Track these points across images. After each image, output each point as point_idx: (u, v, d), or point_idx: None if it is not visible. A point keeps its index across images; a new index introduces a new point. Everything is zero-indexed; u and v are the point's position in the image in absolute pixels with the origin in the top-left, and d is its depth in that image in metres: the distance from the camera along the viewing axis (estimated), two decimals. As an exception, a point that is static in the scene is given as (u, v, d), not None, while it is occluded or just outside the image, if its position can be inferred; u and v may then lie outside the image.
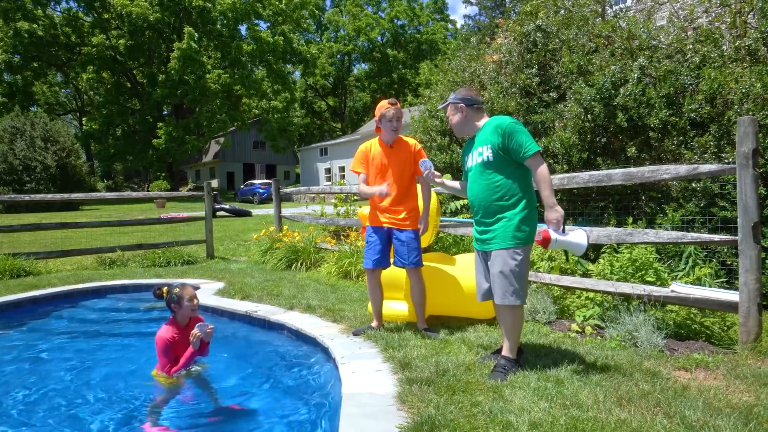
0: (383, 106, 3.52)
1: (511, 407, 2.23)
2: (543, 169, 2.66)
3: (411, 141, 3.65)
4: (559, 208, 2.61)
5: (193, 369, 3.16)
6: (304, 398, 2.80)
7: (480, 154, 2.80)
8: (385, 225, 3.59)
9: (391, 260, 3.66)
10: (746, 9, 4.91)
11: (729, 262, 4.11)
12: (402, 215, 3.55)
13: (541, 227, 2.72)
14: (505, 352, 2.78)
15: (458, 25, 53.71)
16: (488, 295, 2.92)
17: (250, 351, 3.77)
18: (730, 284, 3.95)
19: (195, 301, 3.14)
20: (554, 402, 2.29)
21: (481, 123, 2.91)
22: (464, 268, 4.12)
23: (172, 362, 3.05)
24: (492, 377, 2.61)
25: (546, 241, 2.55)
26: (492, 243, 2.77)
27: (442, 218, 5.43)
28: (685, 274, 4.15)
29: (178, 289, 3.09)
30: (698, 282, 3.83)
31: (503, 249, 2.71)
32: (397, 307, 3.92)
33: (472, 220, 5.08)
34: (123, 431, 2.49)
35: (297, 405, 2.72)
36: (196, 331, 3.00)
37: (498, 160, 2.74)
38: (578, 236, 2.58)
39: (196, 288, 3.32)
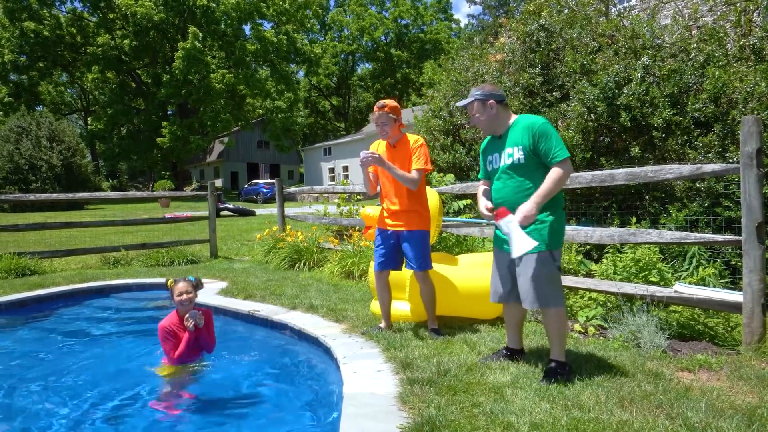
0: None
1: (512, 408, 2.22)
2: (562, 173, 2.56)
3: (413, 138, 3.58)
4: (536, 211, 2.53)
5: (195, 366, 3.20)
6: (305, 398, 2.81)
7: (510, 155, 2.70)
8: (389, 228, 3.53)
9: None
10: (751, 7, 4.87)
11: (733, 263, 4.09)
12: (404, 214, 3.48)
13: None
14: (553, 356, 2.68)
15: (462, 25, 53.70)
16: (506, 297, 2.83)
17: (253, 350, 3.77)
18: (735, 284, 3.92)
19: (183, 296, 3.27)
20: (556, 403, 2.28)
21: (510, 120, 2.78)
22: (467, 268, 4.12)
23: (173, 349, 3.21)
24: (543, 381, 2.55)
25: (499, 216, 2.59)
26: None
27: (444, 218, 5.43)
28: (689, 275, 4.13)
29: (172, 283, 3.32)
30: (702, 282, 3.81)
31: (536, 253, 2.59)
32: (399, 307, 3.92)
33: (479, 221, 5.04)
34: (124, 428, 2.50)
35: (298, 405, 2.73)
36: (188, 315, 3.21)
37: (529, 162, 2.65)
38: (522, 242, 2.49)
39: (195, 284, 3.39)
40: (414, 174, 3.40)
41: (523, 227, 2.55)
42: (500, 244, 2.84)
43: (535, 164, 2.65)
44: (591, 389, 2.42)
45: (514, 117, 2.79)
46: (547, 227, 2.62)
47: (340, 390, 2.62)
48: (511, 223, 2.53)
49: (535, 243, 2.53)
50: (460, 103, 2.92)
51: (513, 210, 2.65)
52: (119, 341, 4.08)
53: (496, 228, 2.82)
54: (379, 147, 3.64)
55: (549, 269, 2.61)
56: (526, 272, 2.61)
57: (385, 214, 3.57)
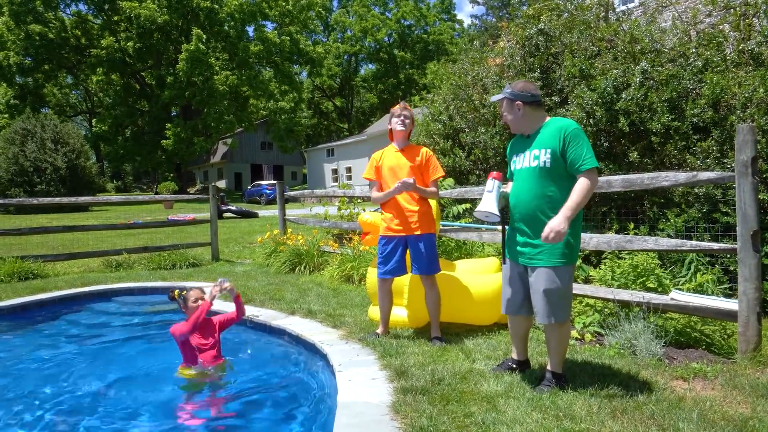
0: (394, 107, 3.66)
1: (503, 418, 2.23)
2: (590, 184, 2.45)
3: (422, 147, 3.69)
4: (567, 226, 2.40)
5: (214, 372, 3.26)
6: (300, 406, 2.82)
7: (536, 157, 2.56)
8: (400, 234, 3.56)
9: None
10: (750, 11, 4.86)
11: (732, 269, 4.07)
12: (415, 218, 3.53)
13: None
14: (552, 368, 2.66)
15: (465, 25, 53.66)
16: (518, 309, 2.75)
17: (250, 356, 3.80)
18: (733, 291, 3.91)
19: (199, 302, 3.34)
20: (547, 413, 2.28)
21: (542, 122, 2.64)
22: (464, 274, 4.13)
23: (190, 351, 3.25)
24: (537, 391, 2.54)
25: (492, 175, 2.68)
26: (537, 259, 2.56)
27: (443, 222, 5.43)
28: (687, 281, 4.12)
29: (185, 292, 3.39)
30: (700, 288, 3.81)
31: (550, 267, 2.52)
32: (396, 313, 3.93)
33: (478, 225, 5.02)
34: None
35: (293, 413, 2.74)
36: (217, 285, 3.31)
37: (555, 168, 2.52)
38: (489, 204, 2.63)
39: (203, 291, 3.47)
40: (435, 188, 3.65)
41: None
42: (514, 254, 2.72)
43: (559, 170, 2.52)
44: (584, 399, 2.43)
45: (547, 118, 2.66)
46: (563, 241, 2.50)
47: (334, 398, 2.63)
48: (495, 185, 2.65)
49: (493, 212, 2.58)
50: (493, 98, 2.80)
51: (527, 215, 2.58)
52: (121, 345, 4.11)
53: (512, 236, 2.74)
54: (385, 153, 3.68)
55: (563, 284, 2.53)
56: (541, 286, 2.54)
57: (396, 220, 3.57)
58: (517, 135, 2.77)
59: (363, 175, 3.79)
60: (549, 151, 2.52)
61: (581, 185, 2.45)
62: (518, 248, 2.67)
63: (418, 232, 3.53)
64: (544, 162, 2.53)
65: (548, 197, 2.54)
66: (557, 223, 2.41)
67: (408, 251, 3.59)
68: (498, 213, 2.64)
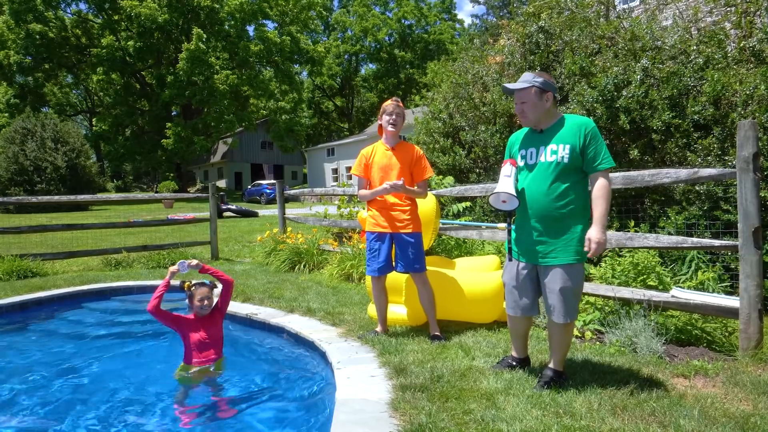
0: (386, 102, 3.63)
1: (503, 415, 2.22)
2: (608, 185, 2.43)
3: (414, 146, 3.69)
4: (605, 235, 2.37)
5: (212, 370, 3.24)
6: (298, 403, 2.81)
7: (554, 152, 2.49)
8: (387, 231, 3.56)
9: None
10: (752, 9, 4.84)
11: (733, 266, 4.06)
12: (405, 216, 3.54)
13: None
14: (554, 366, 2.64)
15: (466, 25, 53.66)
16: (529, 309, 2.69)
17: (249, 354, 3.78)
18: (734, 288, 3.90)
19: (205, 302, 3.36)
20: (547, 410, 2.27)
21: (557, 117, 2.58)
22: (463, 272, 4.11)
23: (187, 348, 3.26)
24: (537, 388, 2.53)
25: (507, 162, 2.64)
26: (550, 257, 2.51)
27: (443, 221, 5.42)
28: (688, 278, 4.10)
29: (194, 288, 3.38)
30: (701, 286, 3.79)
31: (565, 265, 2.48)
32: (396, 310, 3.92)
33: (479, 224, 5.00)
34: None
35: (291, 410, 2.73)
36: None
37: (572, 164, 2.47)
38: (506, 185, 2.56)
39: (213, 287, 3.47)
40: (423, 188, 3.62)
41: (572, 246, 2.47)
42: (523, 253, 2.65)
43: (575, 166, 2.48)
44: (584, 396, 2.41)
45: (560, 114, 2.62)
46: (576, 239, 2.47)
47: (333, 395, 2.62)
48: (513, 171, 2.61)
49: (513, 194, 2.51)
50: (514, 86, 2.60)
51: (541, 211, 2.52)
52: (120, 344, 4.09)
53: (522, 234, 2.66)
54: (374, 149, 3.66)
55: (576, 282, 2.51)
56: (557, 285, 2.49)
57: (383, 218, 3.58)
58: (526, 130, 2.68)
59: (351, 171, 3.77)
60: (568, 146, 2.46)
61: (602, 190, 2.42)
62: (529, 247, 2.60)
63: (404, 231, 3.52)
64: (562, 158, 2.47)
65: (563, 193, 2.48)
66: (596, 235, 2.38)
67: (393, 248, 3.59)
68: (517, 196, 2.57)
